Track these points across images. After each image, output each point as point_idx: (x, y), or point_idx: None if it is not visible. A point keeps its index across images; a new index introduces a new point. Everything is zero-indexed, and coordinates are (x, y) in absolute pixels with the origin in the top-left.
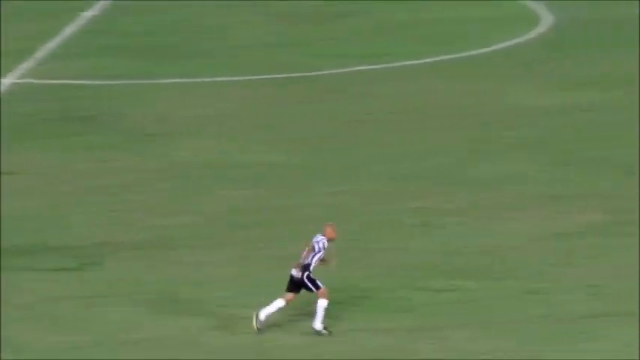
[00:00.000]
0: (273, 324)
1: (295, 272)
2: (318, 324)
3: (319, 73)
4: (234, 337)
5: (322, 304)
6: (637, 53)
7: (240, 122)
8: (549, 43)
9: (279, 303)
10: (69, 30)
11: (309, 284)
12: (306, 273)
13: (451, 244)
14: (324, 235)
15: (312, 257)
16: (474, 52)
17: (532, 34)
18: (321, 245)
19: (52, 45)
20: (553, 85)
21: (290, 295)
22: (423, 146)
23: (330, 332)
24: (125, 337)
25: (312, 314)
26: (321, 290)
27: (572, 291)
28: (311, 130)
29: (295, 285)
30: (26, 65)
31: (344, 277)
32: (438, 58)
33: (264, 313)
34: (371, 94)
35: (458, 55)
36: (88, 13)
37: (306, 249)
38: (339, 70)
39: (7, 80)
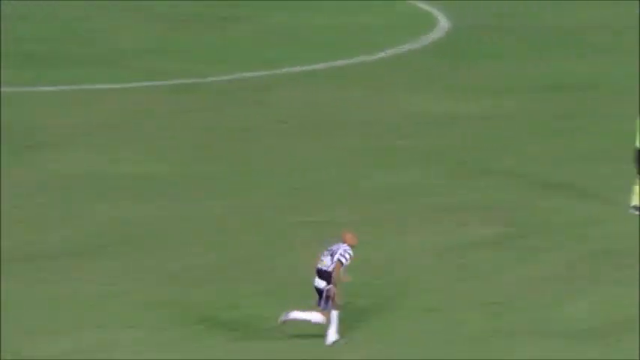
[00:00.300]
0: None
1: (318, 282)
2: (332, 335)
3: (203, 80)
4: (115, 357)
5: (319, 317)
6: (533, 61)
7: (122, 132)
8: (445, 49)
9: (316, 317)
10: None
11: (325, 299)
12: (330, 285)
13: None
14: (345, 242)
15: (338, 267)
16: (366, 59)
17: (427, 39)
18: (348, 257)
19: None
20: (449, 93)
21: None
22: (314, 157)
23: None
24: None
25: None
26: (327, 312)
27: (469, 308)
28: (196, 140)
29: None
30: None
31: (234, 297)
32: (328, 65)
33: (294, 314)
34: (259, 103)
35: (349, 62)
36: None
37: (326, 256)
38: (224, 77)
39: None
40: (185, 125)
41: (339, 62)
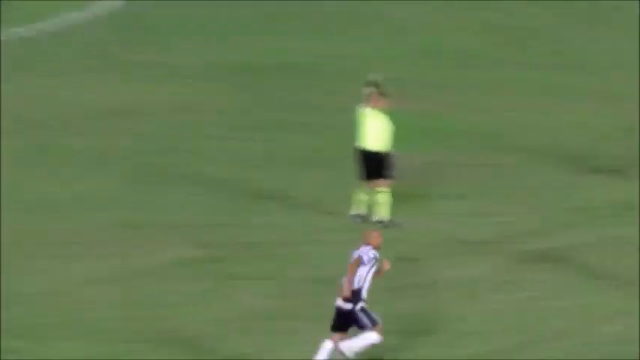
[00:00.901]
0: None
1: (342, 303)
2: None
3: None
4: None
5: (373, 337)
6: (238, 38)
7: None
8: (123, 22)
9: (327, 346)
10: None
11: (364, 318)
12: (360, 305)
13: None
14: (369, 244)
15: (364, 277)
16: (22, 32)
17: (99, 8)
18: (371, 256)
19: None
20: (125, 77)
21: (337, 335)
22: None
23: None
24: None
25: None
26: (378, 327)
27: (158, 350)
28: None
29: (345, 320)
30: None
31: None
32: None
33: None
34: None
35: None
36: None
37: (349, 268)
38: None
39: None
40: None
41: None
